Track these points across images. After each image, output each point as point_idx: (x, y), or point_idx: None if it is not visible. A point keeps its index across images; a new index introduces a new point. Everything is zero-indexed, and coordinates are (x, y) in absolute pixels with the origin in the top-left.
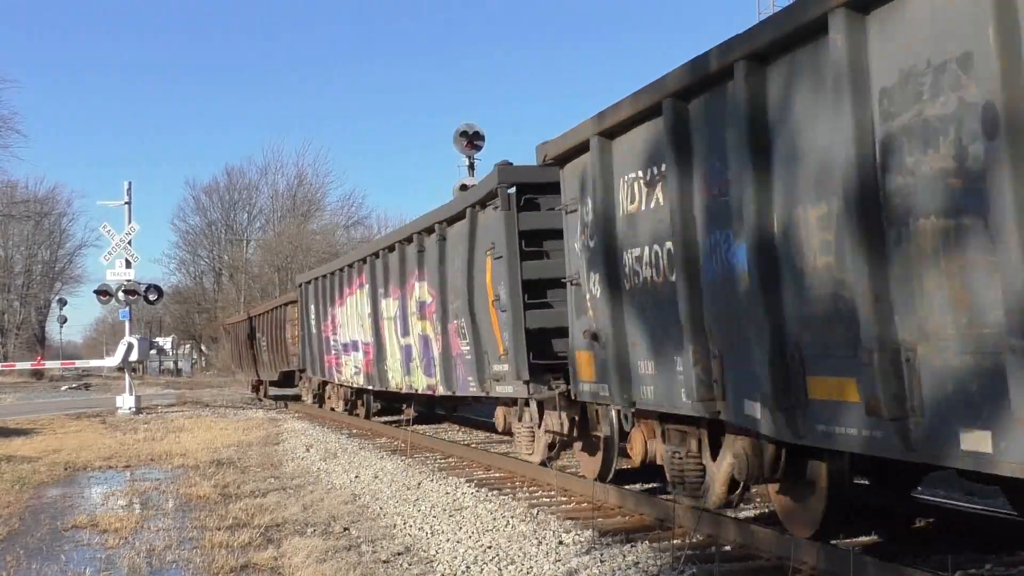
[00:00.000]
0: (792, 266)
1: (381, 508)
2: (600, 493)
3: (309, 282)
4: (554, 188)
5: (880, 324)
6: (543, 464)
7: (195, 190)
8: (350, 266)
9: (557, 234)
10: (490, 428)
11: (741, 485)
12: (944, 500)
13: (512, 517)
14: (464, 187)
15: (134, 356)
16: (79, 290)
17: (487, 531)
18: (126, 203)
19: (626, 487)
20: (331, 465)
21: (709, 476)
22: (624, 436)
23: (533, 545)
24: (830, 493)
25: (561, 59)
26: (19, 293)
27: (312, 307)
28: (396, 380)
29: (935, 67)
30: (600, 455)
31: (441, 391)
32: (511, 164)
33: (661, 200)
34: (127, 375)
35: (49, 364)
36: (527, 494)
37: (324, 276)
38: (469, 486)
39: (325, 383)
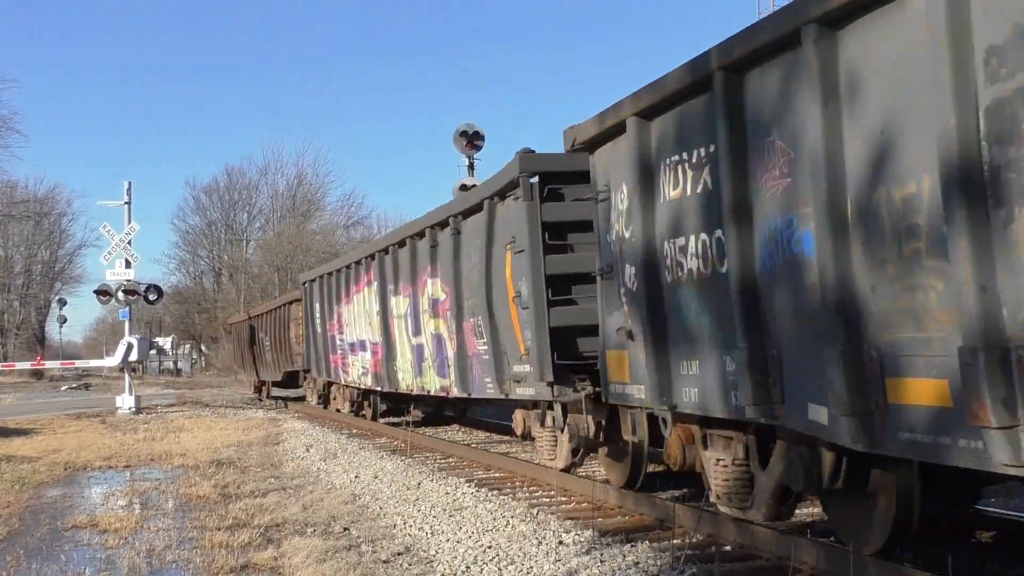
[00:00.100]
0: (871, 254)
1: (381, 508)
2: (600, 493)
3: (314, 280)
4: (579, 177)
5: (985, 319)
6: (565, 471)
7: (195, 190)
8: (357, 263)
9: (583, 226)
10: (491, 428)
11: (794, 496)
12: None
13: (512, 517)
14: (464, 187)
15: (134, 356)
16: (79, 290)
17: (487, 531)
18: (126, 203)
19: (652, 494)
20: (331, 465)
21: (758, 486)
22: (656, 441)
23: (533, 545)
24: (898, 506)
25: (561, 59)
26: (19, 293)
27: (317, 306)
28: (407, 381)
29: None
30: (628, 461)
31: (455, 393)
32: (533, 151)
33: (710, 184)
34: (127, 375)
35: (49, 364)
36: (527, 494)
37: (330, 273)
38: (469, 486)
39: (330, 384)
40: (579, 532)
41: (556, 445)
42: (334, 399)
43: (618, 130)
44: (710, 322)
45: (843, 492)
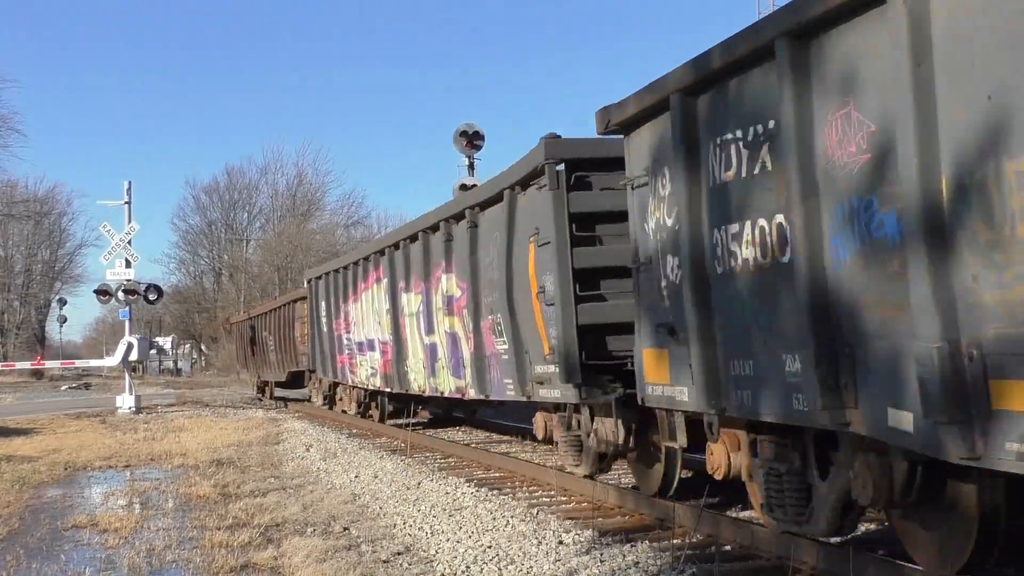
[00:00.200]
0: (972, 238)
1: (381, 508)
2: (600, 493)
3: (319, 277)
4: (608, 164)
5: None
6: (589, 477)
7: (195, 190)
8: (365, 259)
9: (612, 217)
10: (492, 428)
11: (857, 509)
12: None
13: (512, 517)
14: (464, 187)
15: (134, 356)
16: (79, 290)
17: (487, 531)
18: (126, 203)
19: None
20: (331, 465)
21: (817, 498)
22: (695, 447)
23: (533, 545)
24: (982, 523)
25: (561, 59)
26: (19, 293)
27: (323, 304)
28: (418, 382)
29: None
30: (660, 468)
31: (472, 395)
32: (559, 136)
33: (769, 164)
34: (127, 375)
35: (49, 364)
36: (527, 494)
37: (336, 271)
38: (469, 486)
39: (336, 384)
40: (579, 532)
41: (581, 450)
42: (340, 400)
43: (659, 109)
44: (768, 317)
45: (917, 506)
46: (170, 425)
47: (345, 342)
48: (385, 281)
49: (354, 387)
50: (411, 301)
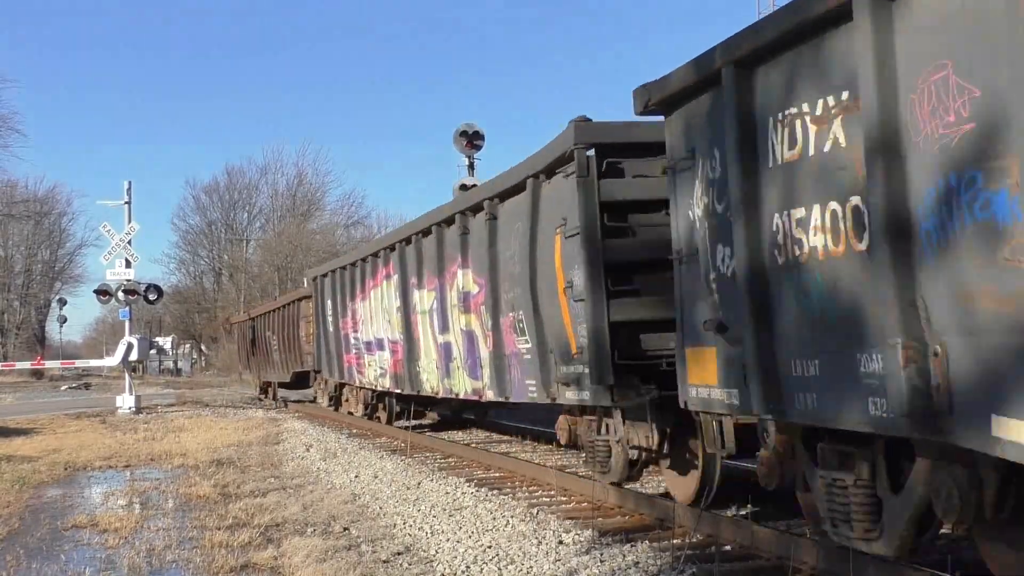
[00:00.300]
0: None
1: (381, 508)
2: (600, 493)
3: (325, 275)
4: (641, 149)
5: None
6: (617, 484)
7: (195, 190)
8: (374, 255)
9: (646, 206)
10: (492, 428)
11: (936, 525)
12: None
13: (512, 517)
14: (464, 187)
15: (134, 356)
16: (79, 290)
17: (487, 531)
18: (126, 203)
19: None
20: (331, 465)
21: (889, 513)
22: (740, 452)
23: (533, 545)
24: None
25: (561, 59)
26: (19, 293)
27: (329, 302)
28: (431, 383)
29: None
30: (697, 475)
31: (490, 396)
32: (588, 119)
33: (843, 139)
34: (127, 375)
35: (49, 364)
36: (527, 494)
37: (343, 267)
38: (469, 486)
39: (343, 385)
40: (579, 532)
41: (609, 456)
42: (346, 401)
43: (707, 84)
44: (840, 312)
45: (1008, 525)
46: (170, 425)
47: (352, 341)
48: (395, 278)
49: (361, 388)
50: (424, 298)
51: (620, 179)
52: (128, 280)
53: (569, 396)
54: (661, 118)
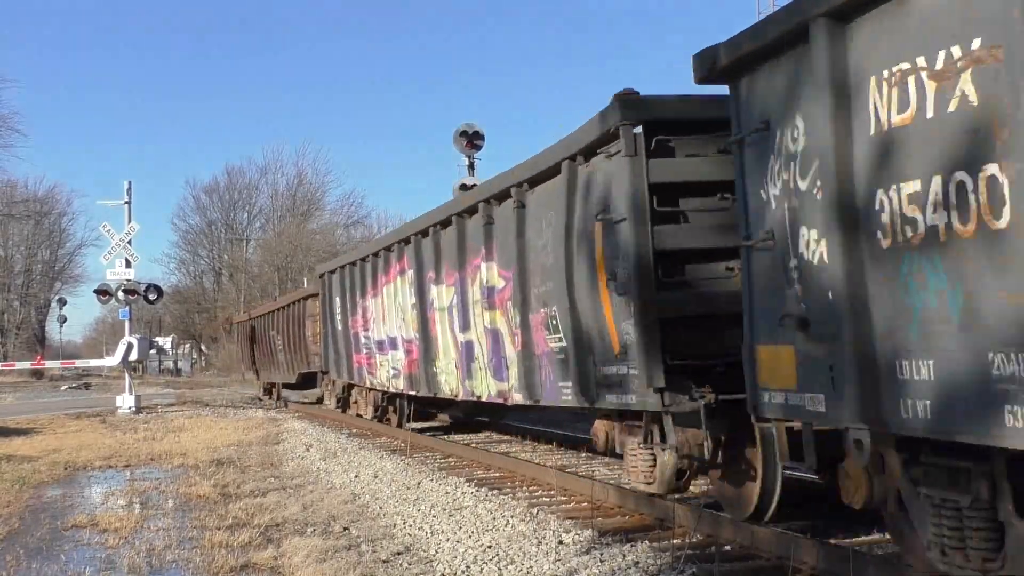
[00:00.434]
0: None
1: (381, 508)
2: (600, 493)
3: (333, 271)
4: (693, 126)
5: None
6: (659, 496)
7: (195, 190)
8: (387, 249)
9: (699, 189)
10: (491, 429)
11: None
12: None
13: (512, 517)
14: (464, 187)
15: (134, 356)
16: (79, 290)
17: (487, 531)
18: (126, 203)
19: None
20: (331, 465)
21: (1013, 541)
22: (825, 466)
23: (533, 545)
24: None
25: (561, 59)
26: (19, 293)
27: (337, 300)
28: (450, 384)
29: None
30: (754, 487)
31: (517, 399)
32: (636, 93)
33: (973, 96)
34: (127, 375)
35: (49, 364)
36: (527, 493)
37: (353, 263)
38: (469, 486)
39: (351, 386)
40: (579, 532)
41: (654, 465)
42: (355, 403)
43: (790, 42)
44: (965, 304)
45: None
46: (170, 425)
47: (363, 341)
48: (410, 273)
49: (371, 389)
50: (442, 294)
51: (671, 159)
52: (128, 280)
53: (611, 400)
54: (715, 89)
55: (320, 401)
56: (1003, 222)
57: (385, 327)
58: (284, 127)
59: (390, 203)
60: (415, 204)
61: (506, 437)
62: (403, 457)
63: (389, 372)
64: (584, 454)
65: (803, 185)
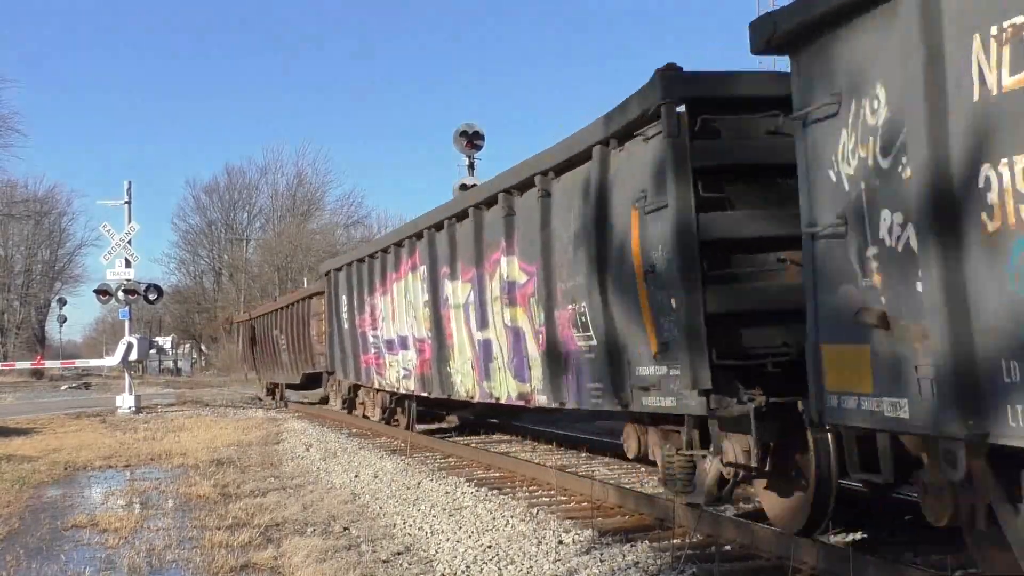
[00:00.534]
0: None
1: (381, 508)
2: (599, 492)
3: (340, 268)
4: (740, 105)
5: None
6: (695, 506)
7: (195, 190)
8: (398, 244)
9: (748, 173)
10: (491, 428)
11: None
12: None
13: (512, 517)
14: (464, 186)
15: (134, 355)
16: (79, 290)
17: (487, 531)
18: (126, 203)
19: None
20: (331, 464)
21: None
22: (900, 476)
23: (533, 544)
24: None
25: (561, 59)
26: (19, 292)
27: (344, 298)
28: (466, 386)
29: None
30: (806, 498)
31: (541, 402)
32: (678, 68)
33: None
34: (127, 374)
35: (49, 364)
36: (527, 493)
37: (360, 260)
38: (469, 486)
39: (357, 387)
40: (579, 532)
41: (693, 473)
42: (361, 404)
43: (870, 0)
44: None
45: None
46: (170, 425)
47: (371, 340)
48: (423, 268)
49: (379, 390)
50: (457, 291)
51: (717, 141)
52: (128, 280)
53: (649, 403)
54: (767, 63)
55: (325, 401)
56: None
57: (395, 326)
58: (284, 127)
59: (390, 203)
60: (415, 204)
61: (506, 437)
62: (403, 457)
63: (399, 373)
64: (584, 454)
65: (885, 163)
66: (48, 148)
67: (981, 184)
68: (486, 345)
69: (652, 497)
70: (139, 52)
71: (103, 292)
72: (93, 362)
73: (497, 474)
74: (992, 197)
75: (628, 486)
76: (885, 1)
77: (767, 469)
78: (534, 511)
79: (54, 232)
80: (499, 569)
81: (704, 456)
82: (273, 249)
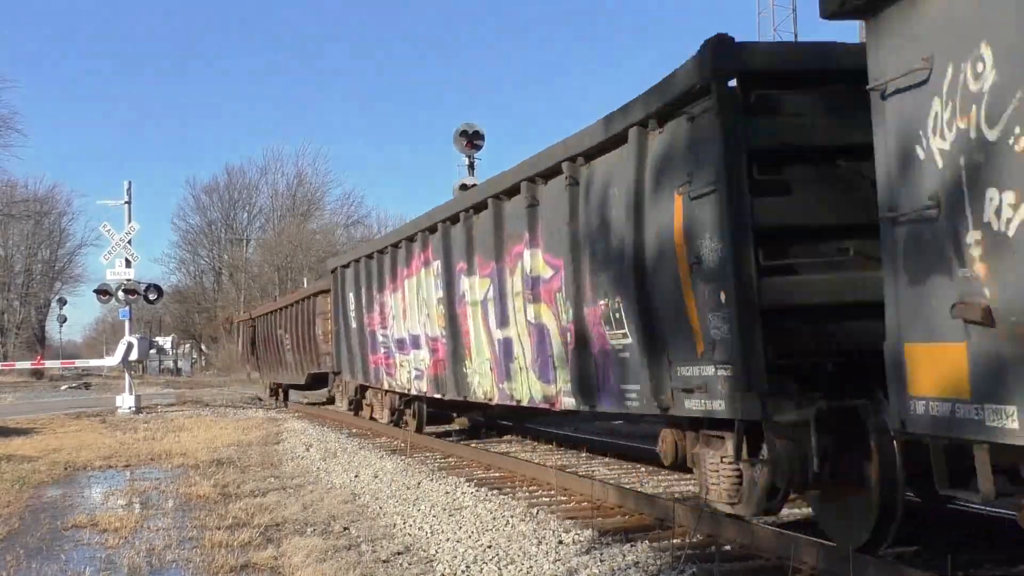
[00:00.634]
0: None
1: (381, 508)
2: (599, 492)
3: (347, 265)
4: (796, 80)
5: None
6: (738, 517)
7: (195, 189)
8: (409, 239)
9: (808, 154)
10: (492, 429)
11: None
12: None
13: (512, 516)
14: (464, 187)
15: (134, 355)
16: (79, 289)
17: (487, 530)
18: (126, 203)
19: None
20: (331, 464)
21: None
22: (959, 482)
23: (533, 544)
24: None
25: (562, 59)
26: (19, 292)
27: (351, 296)
28: (484, 387)
29: None
30: (868, 510)
31: (568, 404)
32: (730, 38)
33: None
34: (127, 374)
35: (49, 363)
36: (527, 493)
37: (369, 256)
38: (469, 485)
39: (364, 387)
40: (579, 531)
41: (740, 482)
42: (368, 406)
43: None
44: None
45: None
46: (170, 425)
47: (380, 339)
48: (437, 264)
49: (389, 392)
50: (474, 286)
51: (773, 118)
52: (128, 280)
53: (691, 406)
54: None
55: (330, 402)
56: None
57: (406, 324)
58: (284, 127)
59: (390, 203)
60: (415, 204)
61: (506, 437)
62: (403, 457)
63: (410, 373)
64: (584, 454)
65: (992, 134)
66: (48, 148)
67: None
68: (506, 344)
69: (652, 497)
70: (139, 52)
71: (103, 292)
72: (93, 362)
73: (497, 474)
74: None
75: (628, 486)
76: None
77: (824, 479)
78: (534, 511)
79: (54, 232)
80: (499, 569)
81: (753, 464)
82: (273, 249)
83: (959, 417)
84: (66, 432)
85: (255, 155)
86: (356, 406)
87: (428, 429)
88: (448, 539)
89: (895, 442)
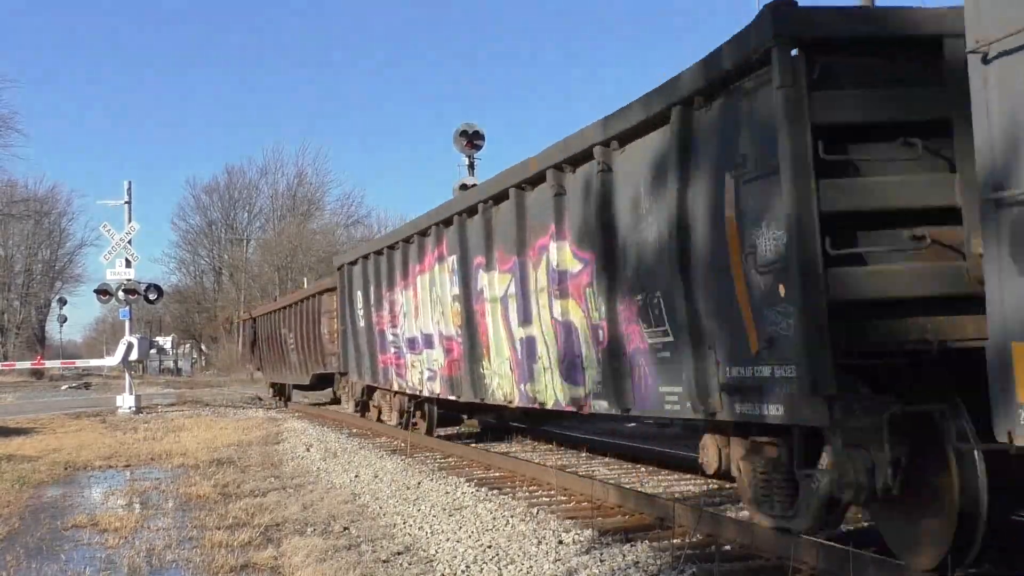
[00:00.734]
0: None
1: (381, 508)
2: (600, 492)
3: (354, 262)
4: (871, 47)
5: None
6: (790, 532)
7: (195, 189)
8: (422, 233)
9: (878, 132)
10: (490, 428)
11: None
12: None
13: (512, 516)
14: (464, 187)
15: (134, 355)
16: (79, 289)
17: (487, 530)
18: (126, 202)
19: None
20: (331, 464)
21: None
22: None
23: (533, 544)
24: None
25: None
26: (19, 292)
27: (359, 293)
28: (503, 389)
29: None
30: (944, 528)
31: (598, 407)
32: (794, 2)
33: None
34: (127, 374)
35: (49, 363)
36: (527, 493)
37: (379, 252)
38: (469, 485)
39: (372, 388)
40: (579, 531)
41: (795, 494)
42: (376, 407)
43: None
44: None
45: None
46: (170, 425)
47: (390, 338)
48: (452, 259)
49: (397, 393)
50: (494, 282)
51: (840, 92)
52: (128, 280)
53: (743, 411)
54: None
55: (335, 403)
56: None
57: (419, 322)
58: (284, 127)
59: (390, 203)
60: (415, 204)
61: (506, 437)
62: (403, 457)
63: (423, 374)
64: (584, 454)
65: None
66: (48, 148)
67: None
68: (529, 343)
69: (652, 497)
70: (139, 52)
71: (103, 292)
72: (93, 362)
73: (497, 474)
74: None
75: (628, 486)
76: None
77: (895, 491)
78: (534, 511)
79: (54, 232)
80: (499, 569)
81: (810, 475)
82: (273, 249)
83: None
84: (66, 432)
85: (255, 155)
86: (363, 407)
87: (438, 432)
88: (448, 539)
89: (976, 451)
